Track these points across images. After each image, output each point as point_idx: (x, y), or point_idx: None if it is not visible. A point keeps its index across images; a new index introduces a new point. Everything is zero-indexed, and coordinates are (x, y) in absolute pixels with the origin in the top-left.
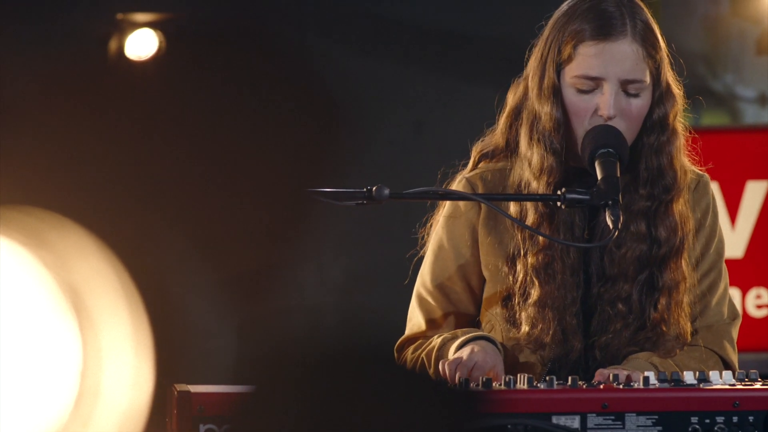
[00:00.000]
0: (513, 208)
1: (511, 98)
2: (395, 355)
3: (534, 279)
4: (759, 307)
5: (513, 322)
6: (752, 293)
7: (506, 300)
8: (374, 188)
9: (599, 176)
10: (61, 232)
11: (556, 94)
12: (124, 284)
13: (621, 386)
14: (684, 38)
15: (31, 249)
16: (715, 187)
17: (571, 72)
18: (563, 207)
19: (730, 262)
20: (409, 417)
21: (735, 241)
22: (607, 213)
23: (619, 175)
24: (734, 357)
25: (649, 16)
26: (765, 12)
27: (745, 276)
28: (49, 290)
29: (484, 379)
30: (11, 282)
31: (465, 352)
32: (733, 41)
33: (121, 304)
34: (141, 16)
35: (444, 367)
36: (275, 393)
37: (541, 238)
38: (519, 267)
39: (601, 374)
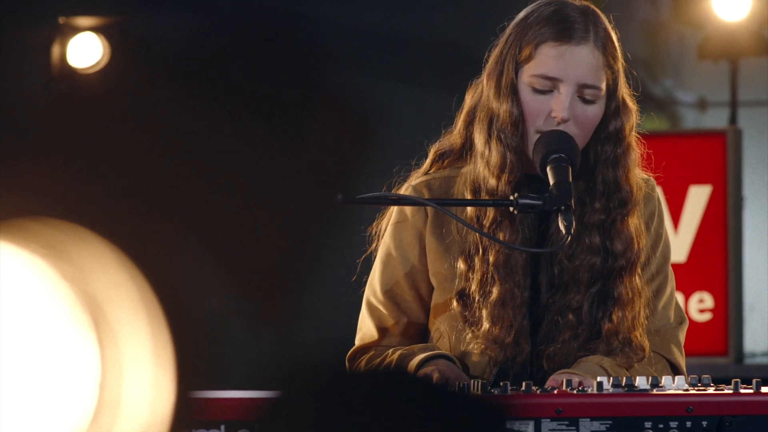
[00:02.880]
0: (469, 210)
1: (469, 99)
2: (347, 364)
3: (495, 276)
4: (702, 311)
5: (472, 321)
6: (695, 297)
7: (462, 298)
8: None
9: (551, 181)
10: (80, 243)
11: (514, 92)
12: (143, 295)
13: (575, 391)
14: (624, 43)
15: (49, 260)
16: (658, 192)
17: (529, 71)
18: (515, 212)
19: (674, 267)
20: (440, 428)
21: (678, 245)
22: (559, 218)
23: (571, 180)
24: (682, 361)
25: (610, 27)
26: (706, 17)
27: (688, 280)
28: (68, 302)
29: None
30: (30, 293)
31: (431, 371)
32: (674, 46)
33: (141, 315)
34: (84, 20)
35: None
36: (300, 398)
37: (501, 235)
38: (477, 264)
39: (555, 380)
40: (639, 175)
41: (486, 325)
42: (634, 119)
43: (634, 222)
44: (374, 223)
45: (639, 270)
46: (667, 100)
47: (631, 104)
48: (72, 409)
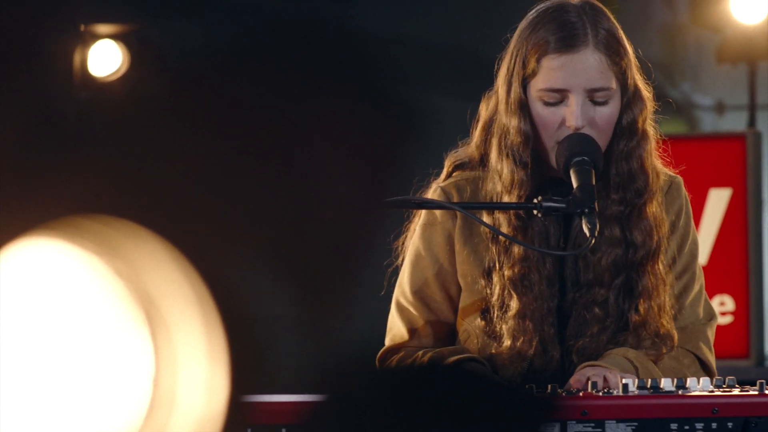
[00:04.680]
0: (487, 221)
1: (484, 111)
2: (377, 365)
3: (512, 291)
4: (723, 314)
5: (493, 336)
6: (716, 300)
7: (484, 313)
8: None
9: (574, 185)
10: (134, 240)
11: (523, 108)
12: (197, 292)
13: (600, 393)
14: (642, 46)
15: (103, 257)
16: (684, 190)
17: (536, 86)
18: (539, 215)
19: None
20: (492, 423)
21: (699, 248)
22: (583, 221)
23: (594, 183)
24: (711, 357)
25: (612, 22)
26: (724, 20)
27: (708, 283)
28: (122, 299)
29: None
30: (84, 291)
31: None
32: (692, 49)
33: (195, 312)
34: (104, 28)
35: None
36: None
37: (515, 250)
38: (495, 280)
39: (578, 381)
40: (659, 166)
41: (507, 341)
42: (648, 108)
43: (653, 211)
44: (401, 237)
45: (662, 258)
46: (686, 103)
47: (645, 93)
48: (126, 406)
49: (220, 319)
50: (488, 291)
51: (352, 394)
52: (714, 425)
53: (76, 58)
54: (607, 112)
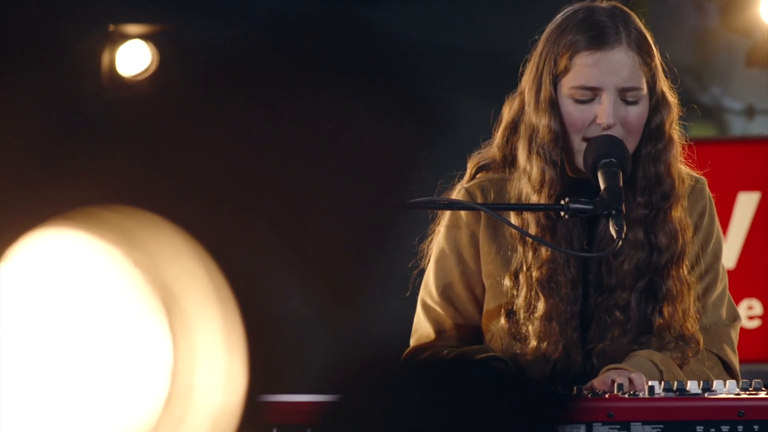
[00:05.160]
0: (515, 221)
1: (507, 113)
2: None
3: (539, 293)
4: (751, 318)
5: (518, 337)
6: (744, 304)
7: (510, 314)
8: None
9: (602, 186)
10: (153, 230)
11: (553, 106)
12: (216, 283)
13: (626, 395)
14: (672, 50)
15: (122, 249)
16: (708, 191)
17: (568, 83)
18: (566, 217)
19: None
20: (517, 418)
21: (727, 252)
22: (610, 223)
23: (621, 185)
24: (735, 359)
25: (641, 25)
26: (754, 24)
27: (736, 287)
28: (141, 289)
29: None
30: (103, 281)
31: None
32: (722, 53)
33: (213, 303)
34: (133, 28)
35: None
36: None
37: (543, 251)
38: (522, 281)
39: (603, 383)
40: (683, 169)
41: (533, 342)
42: (674, 113)
43: (678, 215)
44: (426, 240)
45: (686, 262)
46: (715, 107)
47: (671, 97)
48: (144, 397)
49: (242, 318)
50: (514, 292)
51: (377, 389)
52: (740, 428)
53: (105, 58)
54: (638, 112)
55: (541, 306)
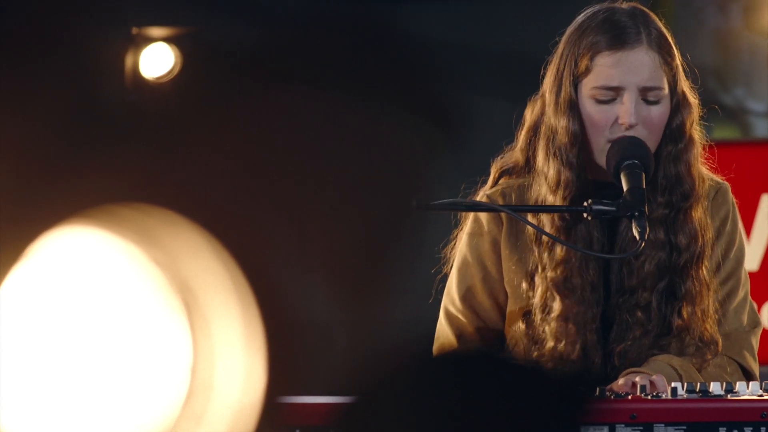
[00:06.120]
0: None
1: (529, 115)
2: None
3: (554, 293)
4: None
5: (536, 339)
6: (767, 306)
7: (527, 316)
8: None
9: (625, 188)
10: (173, 229)
11: (572, 107)
12: (235, 281)
13: (649, 397)
14: (694, 51)
15: (142, 246)
16: (731, 196)
17: (589, 84)
18: (589, 218)
19: None
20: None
21: (750, 254)
22: (633, 224)
23: (644, 186)
24: (755, 366)
25: (661, 25)
26: None
27: (760, 289)
28: (161, 287)
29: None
30: (122, 279)
31: None
32: (745, 55)
33: (233, 301)
34: (156, 31)
35: None
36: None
37: (558, 251)
38: (538, 282)
39: (626, 384)
40: (704, 170)
41: (550, 342)
42: (695, 113)
43: (698, 215)
44: (449, 245)
45: (706, 263)
46: (738, 108)
47: (692, 98)
48: (164, 394)
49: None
50: (531, 294)
51: (400, 388)
52: (763, 429)
53: (128, 61)
54: (659, 112)
55: (556, 306)
